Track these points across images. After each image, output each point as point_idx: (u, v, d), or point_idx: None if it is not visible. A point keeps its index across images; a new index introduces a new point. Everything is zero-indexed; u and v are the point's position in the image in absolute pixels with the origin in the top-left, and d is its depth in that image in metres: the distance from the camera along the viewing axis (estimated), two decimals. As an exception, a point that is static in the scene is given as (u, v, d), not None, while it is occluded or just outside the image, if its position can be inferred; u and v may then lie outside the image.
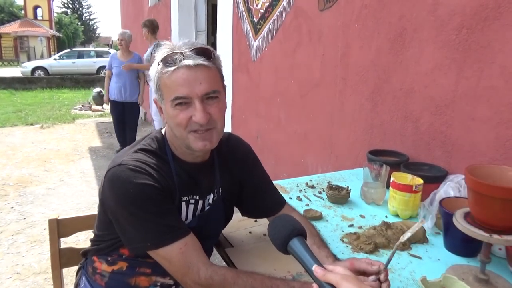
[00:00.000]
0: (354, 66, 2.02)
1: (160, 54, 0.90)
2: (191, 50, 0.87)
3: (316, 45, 2.33)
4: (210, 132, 0.91)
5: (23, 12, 33.08)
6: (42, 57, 25.86)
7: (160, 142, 0.98)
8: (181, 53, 0.86)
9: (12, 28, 29.08)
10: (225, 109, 0.95)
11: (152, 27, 4.75)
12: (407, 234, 0.75)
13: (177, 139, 0.94)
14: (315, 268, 0.63)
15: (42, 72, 16.12)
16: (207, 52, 0.88)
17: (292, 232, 0.69)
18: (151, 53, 4.72)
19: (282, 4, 2.66)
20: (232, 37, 3.48)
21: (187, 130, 0.89)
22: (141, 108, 5.22)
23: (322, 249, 0.96)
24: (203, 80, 0.86)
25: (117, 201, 0.88)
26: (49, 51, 29.30)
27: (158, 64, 0.89)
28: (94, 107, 8.82)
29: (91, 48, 24.68)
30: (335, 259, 0.95)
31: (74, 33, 39.26)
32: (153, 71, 0.91)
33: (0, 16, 32.86)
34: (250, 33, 3.15)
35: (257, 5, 2.99)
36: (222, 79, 0.95)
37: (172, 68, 0.86)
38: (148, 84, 4.93)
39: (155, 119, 5.14)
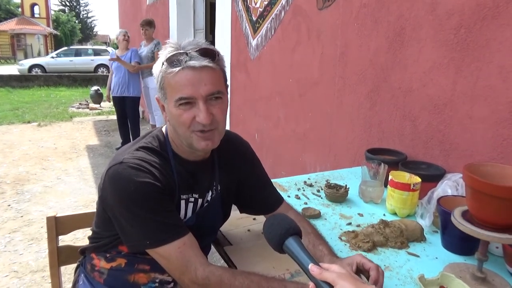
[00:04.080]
0: (352, 65, 2.02)
1: (165, 53, 0.89)
2: (196, 51, 0.86)
3: (315, 44, 2.33)
4: (212, 132, 0.91)
5: (20, 9, 32.91)
6: (39, 55, 25.72)
7: (161, 140, 0.98)
8: (186, 53, 0.86)
9: (9, 25, 28.93)
10: (227, 109, 0.96)
11: (154, 26, 4.96)
12: None
13: (179, 138, 0.94)
14: (311, 266, 0.63)
15: (39, 70, 16.02)
16: (212, 53, 0.89)
17: (287, 232, 0.69)
18: (152, 51, 4.77)
19: (281, 3, 2.66)
20: (231, 36, 3.48)
21: (190, 129, 0.90)
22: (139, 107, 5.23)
23: (316, 247, 0.96)
24: (208, 81, 0.87)
25: (117, 199, 0.88)
26: (46, 49, 29.16)
27: (163, 64, 0.88)
28: (91, 105, 8.79)
29: (88, 46, 24.57)
30: (334, 254, 0.95)
31: (71, 31, 39.08)
32: (157, 70, 0.91)
33: (-3, 14, 32.73)
34: (249, 32, 3.15)
35: (255, 4, 2.99)
36: (225, 80, 0.95)
37: (177, 69, 0.86)
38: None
39: (157, 114, 5.17)
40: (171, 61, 0.86)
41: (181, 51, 0.87)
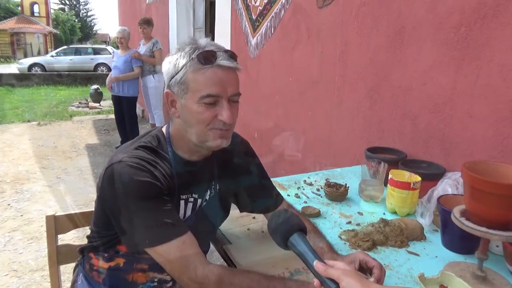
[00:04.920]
0: (352, 63, 2.02)
1: (187, 50, 0.89)
2: (224, 51, 0.90)
3: (314, 42, 2.32)
4: (228, 131, 0.95)
5: (19, 8, 32.87)
6: (39, 53, 25.68)
7: (161, 140, 0.98)
8: (216, 52, 0.88)
9: (9, 24, 28.88)
10: None
11: (152, 24, 4.95)
12: None
13: (189, 135, 0.93)
14: (316, 263, 0.63)
15: (39, 69, 16.00)
16: (235, 57, 0.93)
17: (292, 228, 0.69)
18: (151, 50, 4.76)
19: (280, 1, 2.65)
20: (230, 34, 3.47)
21: (209, 127, 0.91)
22: (138, 105, 5.20)
23: (317, 244, 0.96)
24: (233, 82, 0.91)
25: (116, 198, 0.87)
26: (46, 47, 29.12)
27: (191, 59, 0.88)
28: (91, 104, 8.77)
29: (88, 45, 24.53)
30: (334, 252, 0.95)
31: (71, 30, 39.03)
32: (179, 64, 0.89)
33: (-4, 13, 32.67)
34: (248, 30, 3.14)
35: (255, 2, 2.98)
36: None
37: (208, 65, 0.87)
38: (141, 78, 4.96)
39: (156, 113, 5.15)
40: (204, 57, 0.87)
41: (211, 49, 0.88)
